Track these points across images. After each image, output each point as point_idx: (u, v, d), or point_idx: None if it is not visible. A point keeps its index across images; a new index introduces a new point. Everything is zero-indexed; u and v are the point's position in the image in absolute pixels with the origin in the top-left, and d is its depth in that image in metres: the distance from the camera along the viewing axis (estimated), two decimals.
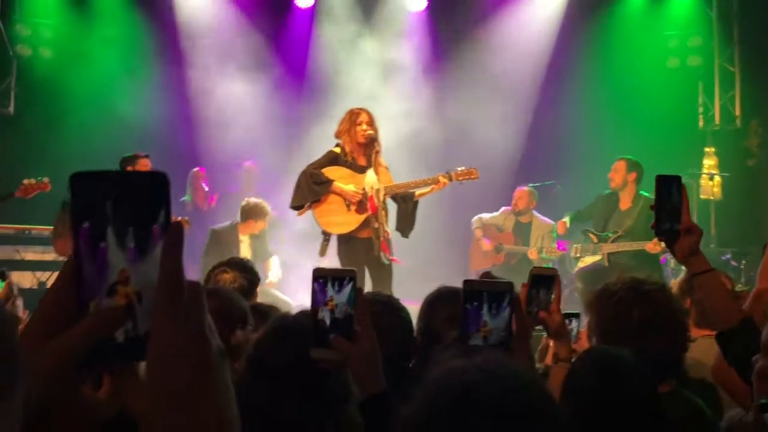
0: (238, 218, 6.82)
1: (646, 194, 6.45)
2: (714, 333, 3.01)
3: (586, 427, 1.69)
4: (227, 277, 3.33)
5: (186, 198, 7.60)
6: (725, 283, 2.25)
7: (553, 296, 2.28)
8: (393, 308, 2.40)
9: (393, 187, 5.37)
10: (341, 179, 5.35)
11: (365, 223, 5.26)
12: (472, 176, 5.42)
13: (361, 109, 5.41)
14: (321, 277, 1.64)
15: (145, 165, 6.46)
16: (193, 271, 6.92)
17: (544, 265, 7.19)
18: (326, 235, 5.41)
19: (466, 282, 1.70)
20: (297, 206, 5.44)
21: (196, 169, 7.72)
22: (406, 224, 5.46)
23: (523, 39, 8.27)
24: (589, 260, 6.52)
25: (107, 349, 0.71)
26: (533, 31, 8.32)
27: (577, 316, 3.07)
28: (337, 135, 5.43)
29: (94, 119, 7.67)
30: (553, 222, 7.23)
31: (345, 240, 5.35)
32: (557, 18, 8.33)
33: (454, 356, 1.13)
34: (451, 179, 5.35)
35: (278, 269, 6.75)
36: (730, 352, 2.01)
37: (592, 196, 6.84)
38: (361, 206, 5.27)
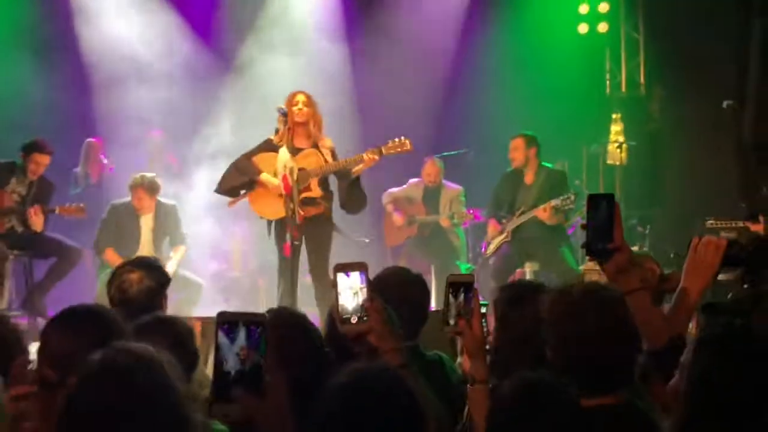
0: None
1: (548, 165, 6.51)
2: None
3: None
4: (134, 277, 3.07)
5: (78, 169, 7.06)
6: (654, 306, 2.22)
7: (472, 308, 2.17)
8: (300, 329, 2.30)
9: (317, 171, 5.17)
10: (270, 166, 5.17)
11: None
12: (405, 148, 5.23)
13: (298, 91, 5.27)
14: (227, 322, 1.48)
15: (39, 162, 6.03)
16: (88, 254, 6.48)
17: (455, 242, 7.09)
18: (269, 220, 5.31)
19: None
20: (220, 193, 5.43)
21: (90, 139, 7.16)
22: (345, 202, 5.32)
23: (433, 3, 8.04)
24: (498, 241, 6.54)
25: None
26: None
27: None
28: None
29: None
30: (460, 187, 7.18)
31: (278, 223, 5.20)
32: None
33: None
34: (381, 154, 5.17)
35: (175, 265, 6.07)
36: (660, 371, 2.06)
37: (504, 163, 6.77)
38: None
